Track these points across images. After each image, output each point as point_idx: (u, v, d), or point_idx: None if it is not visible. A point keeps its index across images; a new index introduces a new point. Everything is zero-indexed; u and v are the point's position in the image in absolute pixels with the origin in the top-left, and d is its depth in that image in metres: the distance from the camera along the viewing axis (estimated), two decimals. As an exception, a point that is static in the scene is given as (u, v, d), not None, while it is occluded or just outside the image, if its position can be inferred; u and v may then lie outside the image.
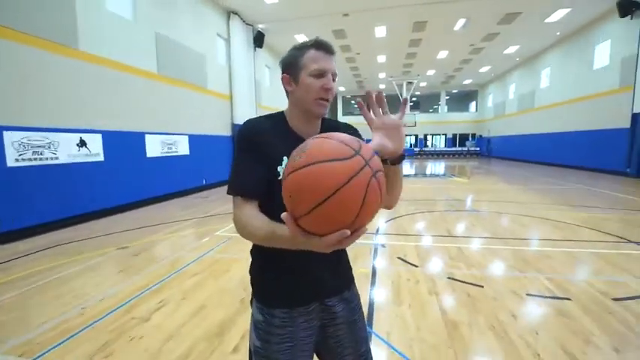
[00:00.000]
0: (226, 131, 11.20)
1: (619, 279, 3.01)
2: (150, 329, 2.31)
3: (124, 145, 6.67)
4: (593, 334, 2.16)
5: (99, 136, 6.09)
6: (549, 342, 2.08)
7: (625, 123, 10.72)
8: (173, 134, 8.25)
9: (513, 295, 2.73)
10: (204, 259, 3.74)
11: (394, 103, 26.38)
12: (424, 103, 33.39)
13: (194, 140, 9.12)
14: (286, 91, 1.01)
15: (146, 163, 7.35)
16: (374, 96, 0.89)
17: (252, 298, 1.04)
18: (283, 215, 0.67)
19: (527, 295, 2.73)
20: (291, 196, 0.63)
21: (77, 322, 2.41)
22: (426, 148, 29.11)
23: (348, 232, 0.61)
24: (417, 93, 29.11)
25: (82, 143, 5.75)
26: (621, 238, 4.27)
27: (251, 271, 1.06)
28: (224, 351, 2.05)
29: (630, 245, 3.96)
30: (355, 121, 18.12)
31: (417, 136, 28.94)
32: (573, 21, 12.64)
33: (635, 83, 10.26)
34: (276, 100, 15.89)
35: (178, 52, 8.40)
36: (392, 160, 0.91)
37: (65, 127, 5.46)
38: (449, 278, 3.10)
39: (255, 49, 12.40)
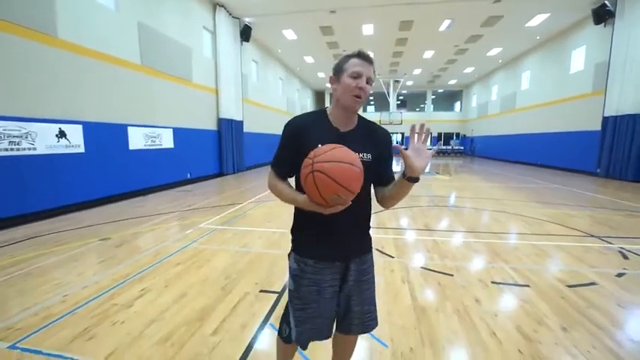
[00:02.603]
0: (212, 125, 11.14)
1: (576, 269, 3.25)
2: (131, 315, 2.38)
3: (105, 136, 6.59)
4: (546, 315, 2.36)
5: (79, 127, 6.00)
6: (506, 323, 2.27)
7: (596, 126, 11.25)
8: (157, 127, 8.18)
9: (480, 283, 2.93)
10: (187, 250, 3.80)
11: (383, 101, 26.68)
12: (411, 101, 33.90)
13: (179, 134, 9.06)
14: (333, 90, 1.28)
15: (129, 156, 7.28)
16: (421, 126, 1.18)
17: (289, 253, 1.39)
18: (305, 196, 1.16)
19: (492, 282, 2.93)
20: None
21: (59, 309, 2.46)
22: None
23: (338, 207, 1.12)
24: (404, 91, 29.55)
25: (62, 134, 5.66)
26: (584, 232, 4.57)
27: (292, 231, 1.39)
28: (204, 333, 2.15)
29: (592, 239, 4.25)
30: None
31: (402, 134, 29.36)
32: (552, 26, 13.12)
33: (606, 88, 10.76)
34: (263, 95, 15.85)
35: (163, 44, 8.30)
36: (409, 178, 1.18)
37: (43, 117, 5.36)
38: (422, 268, 3.28)
39: (242, 43, 12.34)
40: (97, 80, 6.36)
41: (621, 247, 3.88)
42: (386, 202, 1.36)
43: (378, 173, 1.32)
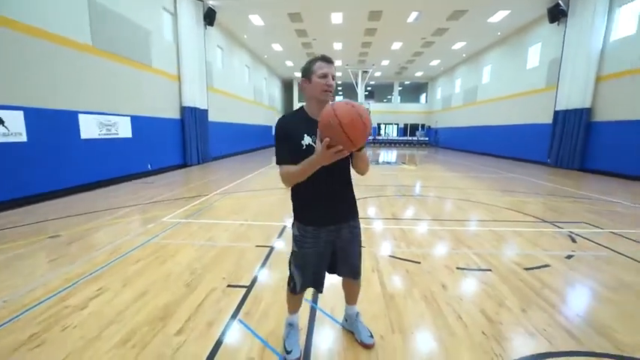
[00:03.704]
0: (174, 114, 10.58)
1: (531, 252, 3.47)
2: (86, 317, 2.20)
3: (52, 124, 6.02)
4: (507, 298, 2.49)
5: (20, 114, 5.41)
6: (471, 306, 2.37)
7: (548, 119, 12.06)
8: (113, 115, 7.61)
9: (445, 269, 3.03)
10: (148, 246, 3.59)
11: (351, 91, 26.77)
12: (378, 92, 34.36)
13: (138, 122, 8.49)
14: (304, 89, 1.61)
15: (81, 146, 6.72)
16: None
17: (293, 222, 1.75)
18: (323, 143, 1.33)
19: (457, 268, 3.05)
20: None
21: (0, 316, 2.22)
22: (379, 137, 30.12)
23: (340, 147, 1.30)
24: (372, 82, 29.86)
25: None
26: (537, 218, 4.89)
27: (293, 207, 1.73)
28: (167, 333, 2.03)
29: (544, 224, 4.56)
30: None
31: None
32: (512, 23, 13.76)
33: (557, 84, 11.53)
34: (229, 84, 15.29)
35: (117, 24, 7.67)
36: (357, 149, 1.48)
37: (-22, 101, 4.77)
38: (391, 256, 3.34)
39: (205, 27, 11.75)
40: (41, 62, 5.74)
41: (570, 231, 4.20)
42: (357, 168, 1.63)
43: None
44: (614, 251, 3.51)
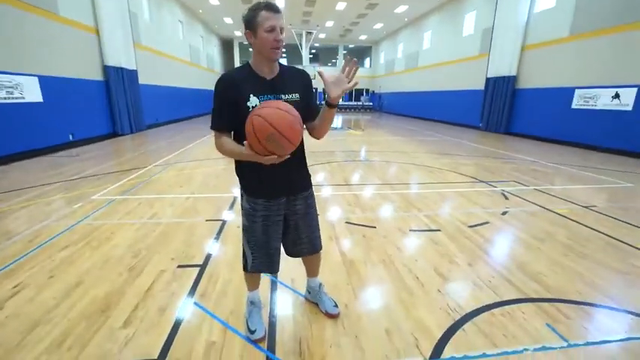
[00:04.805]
0: (96, 75, 9.15)
1: (473, 210, 3.76)
2: (4, 321, 1.85)
3: None
4: (456, 255, 2.68)
5: None
6: (425, 266, 2.50)
7: (481, 85, 12.93)
8: (13, 74, 6.28)
9: (399, 231, 3.15)
10: (77, 229, 3.14)
11: (295, 53, 25.73)
12: (323, 56, 33.59)
13: (49, 84, 7.16)
14: (250, 44, 1.38)
15: (-27, 113, 5.50)
16: (353, 61, 1.35)
17: (241, 194, 1.61)
18: (245, 143, 1.26)
19: (410, 230, 3.19)
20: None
21: None
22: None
23: (274, 156, 1.27)
24: (317, 45, 28.94)
25: None
26: (474, 178, 5.31)
27: (240, 178, 1.58)
28: (111, 326, 1.80)
29: (480, 184, 4.97)
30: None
31: (316, 89, 29.26)
32: (451, -12, 14.01)
33: (489, 52, 12.27)
34: (160, 41, 13.55)
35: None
36: (327, 103, 1.41)
37: None
38: (346, 223, 3.36)
39: (125, -29, 10.00)
40: None
41: (503, 190, 4.64)
42: (316, 132, 1.56)
43: (305, 109, 1.46)
44: (539, 206, 3.96)
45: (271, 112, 1.21)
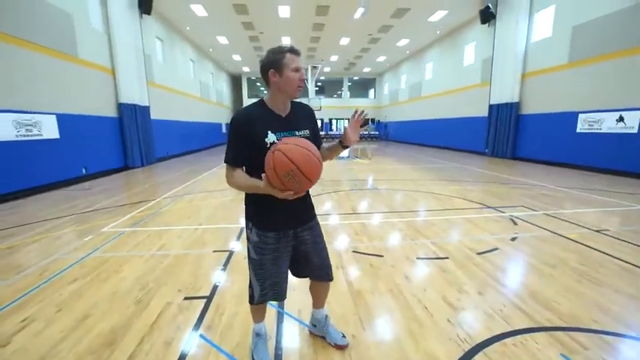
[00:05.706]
0: (111, 112, 9.60)
1: (481, 237, 3.71)
2: (9, 356, 1.85)
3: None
4: (465, 283, 2.62)
5: None
6: (434, 295, 2.44)
7: (484, 112, 13.13)
8: (33, 113, 6.63)
9: (407, 260, 3.11)
10: (86, 262, 3.18)
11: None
12: (329, 88, 34.64)
13: (66, 121, 7.53)
14: (270, 82, 1.46)
15: (-6, 150, 5.77)
16: (361, 112, 1.56)
17: (249, 227, 1.60)
18: (263, 176, 1.31)
19: (417, 258, 3.15)
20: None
21: None
22: (331, 132, 30.47)
23: (291, 192, 1.32)
24: (322, 78, 30.01)
25: None
26: (482, 204, 5.28)
27: (248, 211, 1.60)
28: (117, 361, 1.79)
29: (488, 210, 4.93)
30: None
31: (322, 120, 29.98)
32: (449, 22, 14.68)
33: (491, 80, 12.58)
34: (172, 78, 14.28)
35: (27, 4, 6.65)
36: (343, 145, 1.61)
37: None
38: (353, 252, 3.34)
39: (141, 16, 10.77)
40: None
41: (511, 215, 4.58)
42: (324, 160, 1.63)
43: (312, 142, 1.51)
44: (549, 231, 3.89)
45: (293, 148, 1.27)
